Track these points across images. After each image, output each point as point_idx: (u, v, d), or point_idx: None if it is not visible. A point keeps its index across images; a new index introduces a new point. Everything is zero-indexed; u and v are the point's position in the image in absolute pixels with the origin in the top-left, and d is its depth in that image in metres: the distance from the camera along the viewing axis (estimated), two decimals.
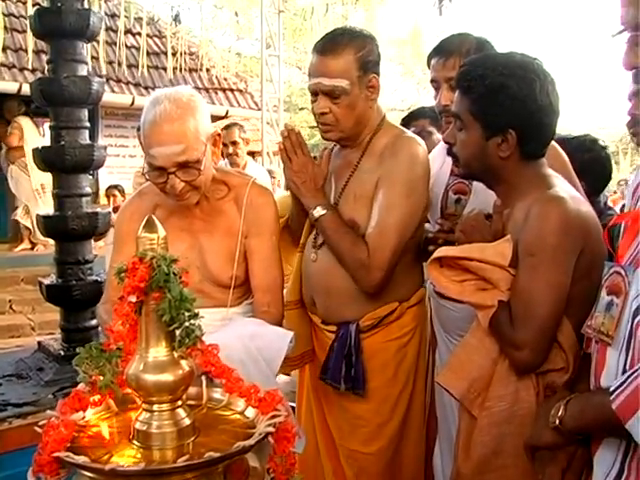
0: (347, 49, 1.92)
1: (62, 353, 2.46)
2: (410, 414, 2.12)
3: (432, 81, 2.08)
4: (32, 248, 7.66)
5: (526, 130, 1.56)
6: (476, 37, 2.06)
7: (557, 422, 1.35)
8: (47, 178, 6.92)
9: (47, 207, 6.70)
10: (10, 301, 6.73)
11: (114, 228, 2.00)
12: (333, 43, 1.94)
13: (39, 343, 2.66)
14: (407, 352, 2.08)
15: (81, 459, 0.96)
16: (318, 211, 1.97)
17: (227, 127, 4.85)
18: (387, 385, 2.06)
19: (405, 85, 19.85)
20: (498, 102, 1.55)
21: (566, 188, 1.58)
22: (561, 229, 1.47)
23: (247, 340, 1.66)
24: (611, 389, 1.20)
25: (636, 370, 1.17)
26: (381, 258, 1.90)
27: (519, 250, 1.52)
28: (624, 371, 1.22)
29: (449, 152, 1.77)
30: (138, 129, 1.83)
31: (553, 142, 1.80)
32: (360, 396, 2.03)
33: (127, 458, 1.03)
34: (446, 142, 1.76)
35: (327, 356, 2.06)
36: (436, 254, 1.62)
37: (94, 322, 2.51)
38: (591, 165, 2.49)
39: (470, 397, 1.57)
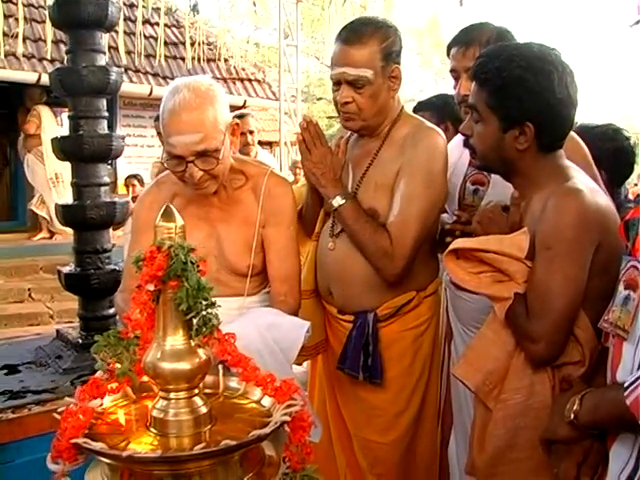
0: (372, 39, 1.93)
1: (80, 341, 2.48)
2: (425, 404, 2.12)
3: (452, 71, 2.07)
4: (51, 237, 7.73)
5: (544, 123, 1.54)
6: (496, 27, 2.04)
7: (572, 416, 1.35)
8: (62, 168, 7.02)
9: (61, 197, 6.76)
10: (29, 289, 6.81)
11: (132, 217, 2.01)
12: (358, 33, 1.94)
13: (57, 331, 2.68)
14: (423, 342, 2.10)
15: (99, 445, 0.96)
16: (337, 201, 1.98)
17: (241, 117, 4.86)
18: (404, 374, 2.07)
19: (423, 75, 19.74)
20: (516, 95, 1.53)
21: (584, 180, 1.56)
22: (578, 222, 1.46)
23: (264, 330, 1.67)
24: (625, 385, 1.19)
25: None
26: (404, 246, 1.91)
27: (536, 242, 1.51)
28: None
29: (466, 144, 1.76)
30: (156, 119, 1.85)
31: (573, 133, 1.78)
32: (377, 386, 2.03)
33: (144, 445, 1.03)
34: (463, 134, 1.74)
35: (345, 345, 2.06)
36: (453, 245, 1.61)
37: (112, 311, 2.53)
38: (614, 155, 2.44)
39: (485, 389, 1.56)
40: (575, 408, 1.35)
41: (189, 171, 1.73)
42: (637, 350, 1.23)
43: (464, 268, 1.60)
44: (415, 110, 3.00)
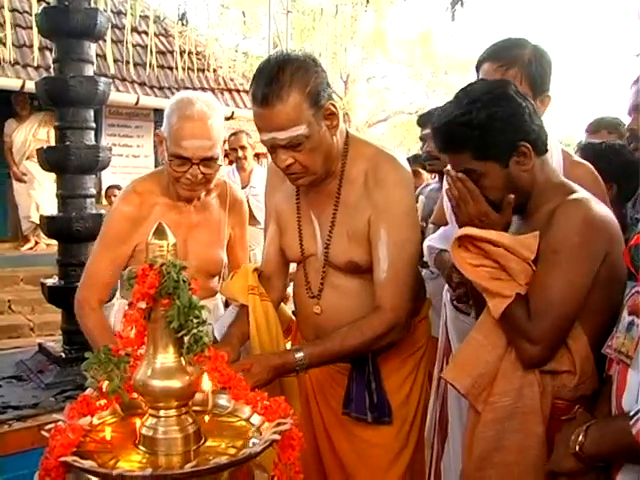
0: (292, 91, 1.60)
1: (63, 355, 2.44)
2: (421, 436, 1.97)
3: None
4: (32, 248, 7.61)
5: (532, 135, 1.56)
6: (533, 44, 1.88)
7: (577, 448, 1.33)
8: None
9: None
10: (9, 301, 6.66)
11: (108, 222, 2.02)
12: (274, 90, 1.59)
13: (40, 345, 2.63)
14: (420, 368, 1.96)
15: (88, 463, 0.95)
16: (300, 360, 1.67)
17: (234, 134, 5.15)
18: (403, 405, 1.91)
19: (414, 87, 19.68)
20: (495, 133, 1.51)
21: (587, 194, 1.58)
22: (587, 229, 1.47)
23: None
24: (631, 414, 1.18)
25: None
26: (401, 298, 1.75)
27: (542, 247, 1.50)
28: None
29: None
30: (155, 129, 1.94)
31: (584, 161, 1.84)
32: (387, 424, 1.85)
33: (133, 463, 1.03)
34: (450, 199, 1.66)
35: (347, 388, 1.85)
36: (465, 231, 1.55)
37: None
38: (623, 168, 2.44)
39: (475, 392, 1.55)
40: (580, 439, 1.33)
41: (192, 172, 1.89)
42: None
43: (463, 258, 1.58)
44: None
